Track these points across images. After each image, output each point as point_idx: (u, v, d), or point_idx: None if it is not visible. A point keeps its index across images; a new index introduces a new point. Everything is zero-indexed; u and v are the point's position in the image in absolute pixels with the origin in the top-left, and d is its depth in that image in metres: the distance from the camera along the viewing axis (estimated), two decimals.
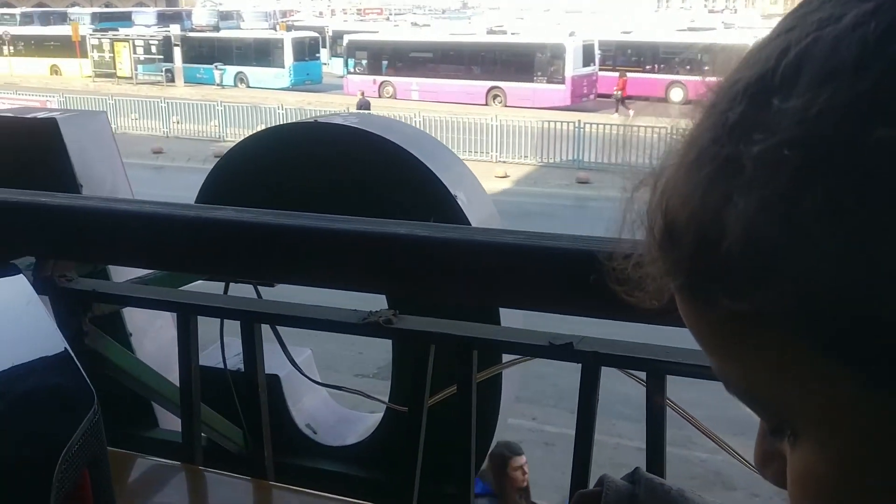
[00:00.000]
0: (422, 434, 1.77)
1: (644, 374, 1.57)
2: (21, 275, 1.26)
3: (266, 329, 2.29)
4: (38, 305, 1.20)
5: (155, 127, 24.30)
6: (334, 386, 2.71)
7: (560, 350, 1.59)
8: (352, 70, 31.82)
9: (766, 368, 0.47)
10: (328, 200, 2.55)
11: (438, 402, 1.87)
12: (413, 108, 24.21)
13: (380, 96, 30.07)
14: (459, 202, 2.59)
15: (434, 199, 2.70)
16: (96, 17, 41.79)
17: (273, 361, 3.06)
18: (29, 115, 3.12)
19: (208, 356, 2.64)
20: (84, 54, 35.16)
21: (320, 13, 46.00)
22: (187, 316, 1.77)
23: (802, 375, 0.45)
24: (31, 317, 1.23)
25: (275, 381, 2.93)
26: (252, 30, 40.10)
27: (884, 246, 0.40)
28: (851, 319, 0.42)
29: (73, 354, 1.10)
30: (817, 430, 0.47)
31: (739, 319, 0.46)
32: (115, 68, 34.76)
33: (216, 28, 38.82)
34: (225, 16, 44.69)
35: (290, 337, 2.79)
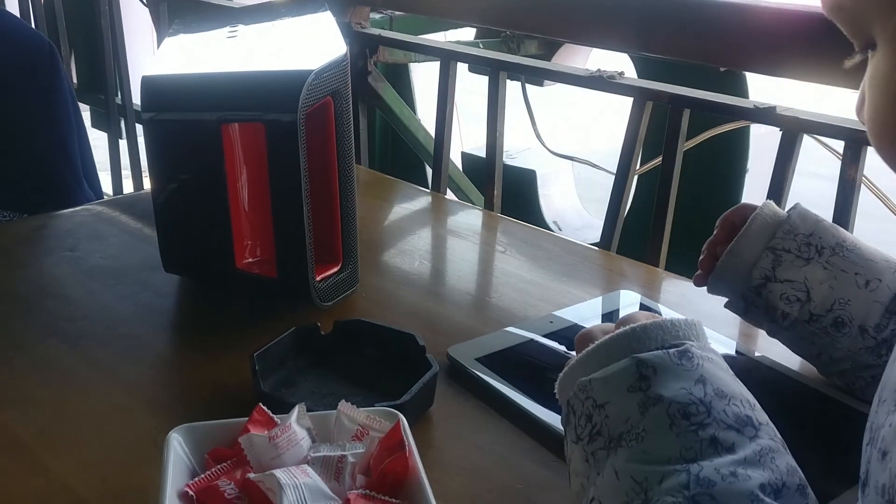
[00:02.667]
0: (625, 200, 1.90)
1: (842, 144, 1.59)
2: (328, 11, 1.54)
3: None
4: (333, 21, 1.45)
5: None
6: (565, 156, 2.91)
7: (763, 113, 1.66)
8: None
9: None
10: None
11: None
12: None
13: None
14: None
15: None
16: None
17: (534, 160, 3.34)
18: None
19: None
20: None
21: None
22: (447, 62, 2.06)
23: None
24: (324, 21, 1.47)
25: (532, 175, 3.25)
26: None
27: None
28: None
29: (340, 30, 1.37)
30: (884, 33, 0.53)
31: None
32: None
33: None
34: None
35: None
